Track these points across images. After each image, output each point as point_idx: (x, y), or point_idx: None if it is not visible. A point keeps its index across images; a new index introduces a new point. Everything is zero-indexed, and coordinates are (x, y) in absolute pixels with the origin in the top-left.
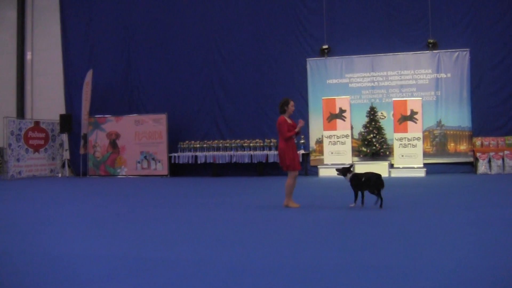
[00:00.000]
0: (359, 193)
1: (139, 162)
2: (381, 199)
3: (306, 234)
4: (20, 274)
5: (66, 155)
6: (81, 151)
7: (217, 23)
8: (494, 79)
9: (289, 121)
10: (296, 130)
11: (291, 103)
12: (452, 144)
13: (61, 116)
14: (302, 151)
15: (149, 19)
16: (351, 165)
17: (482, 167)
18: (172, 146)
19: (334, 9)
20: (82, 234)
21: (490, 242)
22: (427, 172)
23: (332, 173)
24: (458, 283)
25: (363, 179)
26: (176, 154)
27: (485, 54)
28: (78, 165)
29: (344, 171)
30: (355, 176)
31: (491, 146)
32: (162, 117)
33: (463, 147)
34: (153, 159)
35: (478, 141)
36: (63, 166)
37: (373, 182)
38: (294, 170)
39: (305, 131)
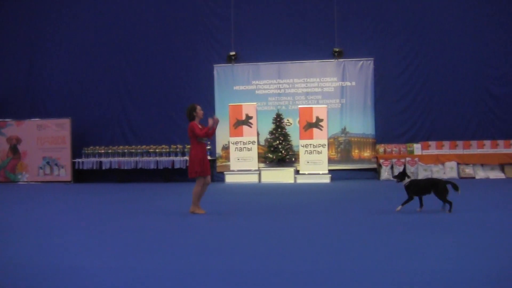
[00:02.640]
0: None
1: (41, 168)
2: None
3: (213, 241)
4: None
5: None
6: None
7: (124, 27)
8: (396, 88)
9: (200, 127)
10: (209, 126)
11: (198, 107)
12: (356, 151)
13: None
14: (208, 157)
15: (53, 19)
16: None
17: (385, 173)
18: (76, 152)
19: (241, 16)
20: None
21: (393, 245)
22: (332, 178)
23: (239, 179)
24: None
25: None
26: (80, 160)
27: (388, 63)
28: None
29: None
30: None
31: (393, 153)
32: (66, 122)
33: (367, 154)
34: (56, 164)
35: (381, 148)
36: None
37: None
38: (204, 176)
39: (212, 137)
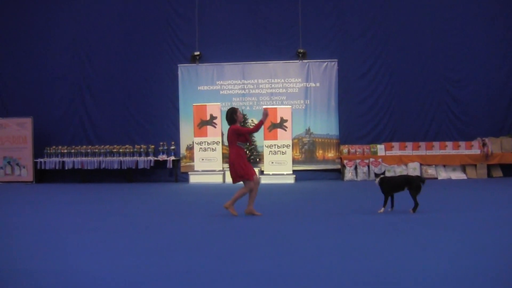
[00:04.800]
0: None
1: (1, 168)
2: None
3: (177, 241)
4: None
5: None
6: None
7: (86, 26)
8: (360, 89)
9: None
10: (262, 119)
11: (239, 110)
12: (321, 152)
13: None
14: (172, 157)
15: (12, 18)
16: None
17: (349, 174)
18: (38, 152)
19: (205, 16)
20: None
21: (357, 246)
22: (297, 179)
23: (203, 179)
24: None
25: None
26: (42, 160)
27: (351, 65)
28: None
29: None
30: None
31: (357, 153)
32: (27, 121)
33: (331, 154)
34: (17, 164)
35: (345, 149)
36: None
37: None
38: (249, 180)
39: (176, 137)
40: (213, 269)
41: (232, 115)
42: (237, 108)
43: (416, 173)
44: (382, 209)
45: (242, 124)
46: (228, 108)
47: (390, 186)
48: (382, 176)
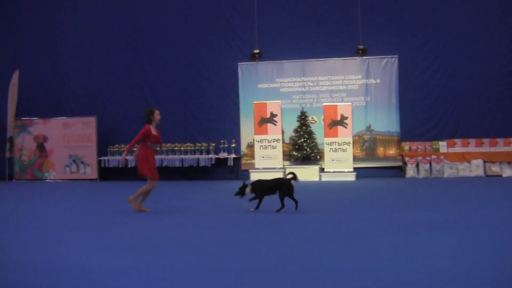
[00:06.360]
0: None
1: (67, 166)
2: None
3: (241, 238)
4: None
5: None
6: (7, 155)
7: (147, 26)
8: (421, 85)
9: (154, 131)
10: (126, 152)
11: (156, 112)
12: (381, 149)
13: None
14: (233, 155)
15: (76, 19)
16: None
17: (410, 171)
18: (102, 150)
19: (265, 14)
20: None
21: (415, 245)
22: (357, 176)
23: (264, 177)
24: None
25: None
26: (105, 158)
27: (412, 60)
28: (4, 169)
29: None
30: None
31: (419, 150)
32: (91, 120)
33: (391, 151)
34: (82, 162)
35: (406, 146)
36: None
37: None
38: (152, 179)
39: (237, 135)
40: (266, 267)
41: (148, 115)
42: (156, 110)
43: (479, 171)
44: (253, 209)
45: (155, 125)
46: (149, 108)
47: (263, 189)
48: (256, 180)
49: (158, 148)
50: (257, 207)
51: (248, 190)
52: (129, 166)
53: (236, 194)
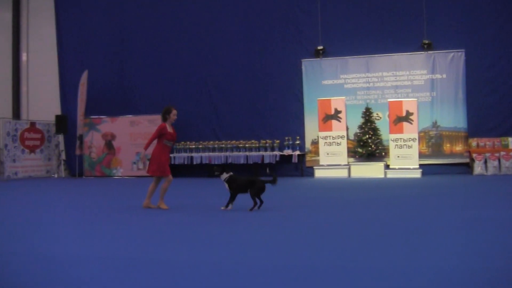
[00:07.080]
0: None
1: (134, 163)
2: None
3: (305, 234)
4: (14, 275)
5: (62, 155)
6: (77, 152)
7: (211, 24)
8: (489, 80)
9: (169, 129)
10: (144, 150)
11: (174, 111)
12: (448, 145)
13: (57, 117)
14: (297, 152)
15: (142, 20)
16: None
17: (478, 168)
18: None
19: (328, 10)
20: (76, 235)
21: (484, 243)
22: (423, 173)
23: (328, 173)
24: (453, 283)
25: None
26: (171, 155)
27: (480, 54)
28: (74, 166)
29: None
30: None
31: (487, 147)
32: (157, 118)
33: (458, 148)
34: (148, 160)
35: (474, 142)
36: (58, 166)
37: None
38: (167, 176)
39: (301, 132)
40: (322, 264)
41: (164, 114)
42: (173, 109)
43: None
44: (228, 207)
45: (172, 127)
46: (167, 106)
47: (236, 186)
48: (231, 174)
49: (172, 144)
50: (230, 203)
51: (224, 175)
52: (194, 163)
53: (214, 169)
